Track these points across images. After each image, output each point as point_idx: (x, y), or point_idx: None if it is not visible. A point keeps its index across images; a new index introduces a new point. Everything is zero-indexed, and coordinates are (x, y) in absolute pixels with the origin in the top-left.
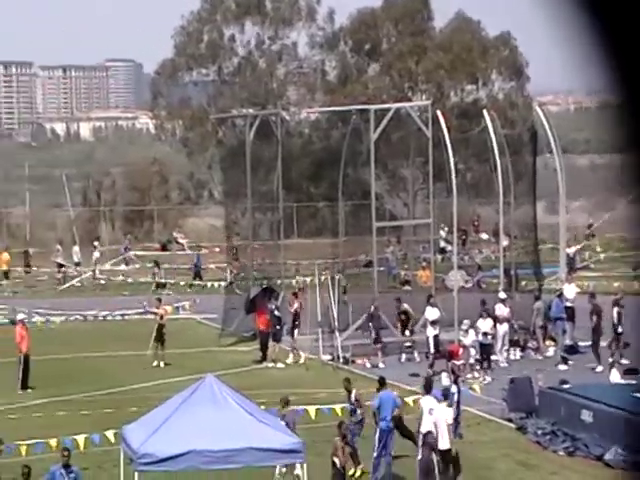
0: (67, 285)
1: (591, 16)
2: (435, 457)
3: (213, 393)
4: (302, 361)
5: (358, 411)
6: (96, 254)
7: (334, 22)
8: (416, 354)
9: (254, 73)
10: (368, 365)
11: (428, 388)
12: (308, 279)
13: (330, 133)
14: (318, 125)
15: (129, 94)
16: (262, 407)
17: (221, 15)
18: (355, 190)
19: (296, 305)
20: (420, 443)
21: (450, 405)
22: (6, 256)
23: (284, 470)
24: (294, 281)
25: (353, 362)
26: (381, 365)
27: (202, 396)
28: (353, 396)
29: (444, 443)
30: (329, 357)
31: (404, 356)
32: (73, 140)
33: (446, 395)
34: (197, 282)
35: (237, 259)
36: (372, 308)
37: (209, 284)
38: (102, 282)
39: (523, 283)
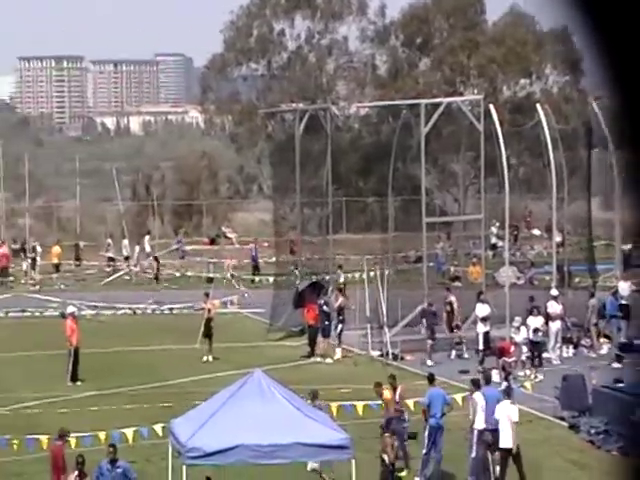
0: (112, 278)
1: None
2: (490, 456)
3: (261, 388)
4: (338, 356)
5: (405, 414)
6: (147, 248)
7: (385, 16)
8: (464, 350)
9: (303, 67)
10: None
11: (487, 382)
12: (356, 274)
13: (380, 128)
14: (368, 120)
15: (179, 88)
16: (309, 402)
17: (271, 9)
18: (405, 185)
19: (341, 300)
20: (475, 440)
21: (513, 402)
22: (57, 249)
23: (315, 465)
24: (341, 276)
25: (402, 358)
26: (429, 362)
27: (250, 390)
28: (398, 393)
29: (507, 441)
30: (378, 353)
31: (453, 353)
32: (123, 134)
33: (508, 393)
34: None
35: (293, 252)
36: (425, 304)
37: (257, 279)
38: (150, 276)
39: (576, 280)
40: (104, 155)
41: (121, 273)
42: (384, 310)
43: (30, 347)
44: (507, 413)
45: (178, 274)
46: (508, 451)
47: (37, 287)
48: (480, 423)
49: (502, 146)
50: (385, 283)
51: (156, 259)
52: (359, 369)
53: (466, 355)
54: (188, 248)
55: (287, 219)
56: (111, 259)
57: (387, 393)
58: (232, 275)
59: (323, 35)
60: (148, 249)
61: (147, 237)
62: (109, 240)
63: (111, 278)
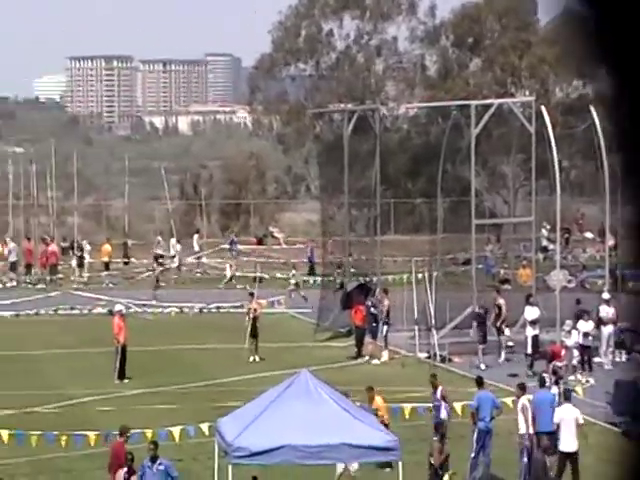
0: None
1: None
2: (547, 460)
3: (308, 388)
4: (385, 358)
5: (443, 408)
6: (196, 247)
7: (435, 16)
8: (513, 354)
9: (352, 68)
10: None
11: (541, 385)
12: (399, 276)
13: (429, 129)
14: (417, 120)
15: (227, 88)
16: (357, 403)
17: (319, 10)
18: (454, 186)
19: (386, 302)
20: (527, 444)
21: (574, 405)
22: (107, 247)
23: (342, 468)
24: (390, 278)
25: (450, 360)
26: (482, 366)
27: (297, 391)
28: (439, 393)
29: (569, 445)
30: (425, 355)
31: (502, 356)
32: (171, 133)
33: (567, 396)
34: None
35: (350, 254)
36: (477, 307)
37: (304, 279)
38: (199, 274)
39: (630, 284)
40: (153, 154)
41: (157, 271)
42: (432, 312)
43: (79, 344)
44: (573, 416)
45: (229, 273)
46: (568, 455)
47: (83, 285)
48: (527, 427)
49: (554, 148)
50: (433, 285)
51: (156, 259)
52: (406, 371)
53: (515, 358)
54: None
55: (334, 219)
56: (160, 256)
57: (379, 400)
58: (231, 277)
59: (372, 35)
60: (197, 248)
61: (196, 236)
62: (159, 237)
63: (146, 275)
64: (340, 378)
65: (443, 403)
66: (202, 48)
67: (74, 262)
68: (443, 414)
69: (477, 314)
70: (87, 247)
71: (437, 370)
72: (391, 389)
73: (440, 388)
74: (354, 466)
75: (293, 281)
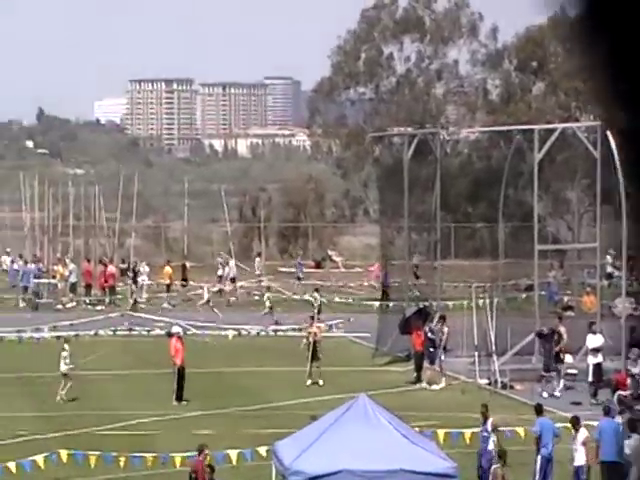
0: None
1: None
2: None
3: (366, 413)
4: (443, 384)
5: (492, 439)
6: (257, 270)
7: (497, 39)
8: (574, 382)
9: (412, 91)
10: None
11: (606, 414)
12: (459, 302)
13: (491, 153)
14: (478, 145)
15: (287, 111)
16: (416, 429)
17: (379, 33)
18: (515, 211)
19: (445, 329)
20: (583, 478)
21: None
22: (168, 269)
23: None
24: (450, 303)
25: (511, 387)
26: (544, 394)
27: (355, 415)
28: (489, 424)
29: None
30: (486, 381)
31: (561, 384)
32: (231, 156)
33: (634, 426)
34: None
35: (417, 277)
36: (545, 331)
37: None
38: (257, 297)
39: None
40: (212, 177)
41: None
42: (493, 338)
43: (137, 366)
44: None
45: (288, 295)
46: None
47: (137, 307)
48: (587, 460)
49: (620, 173)
50: (494, 311)
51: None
52: (466, 397)
53: (578, 387)
54: (291, 270)
55: (394, 244)
56: (220, 277)
57: None
58: (208, 300)
59: (433, 59)
60: (258, 271)
61: (257, 259)
62: (220, 259)
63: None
64: (399, 403)
65: (492, 435)
66: (261, 71)
67: (131, 283)
68: (490, 446)
69: (543, 340)
70: (145, 269)
71: (497, 397)
72: (449, 415)
73: (490, 420)
74: None
75: (268, 303)
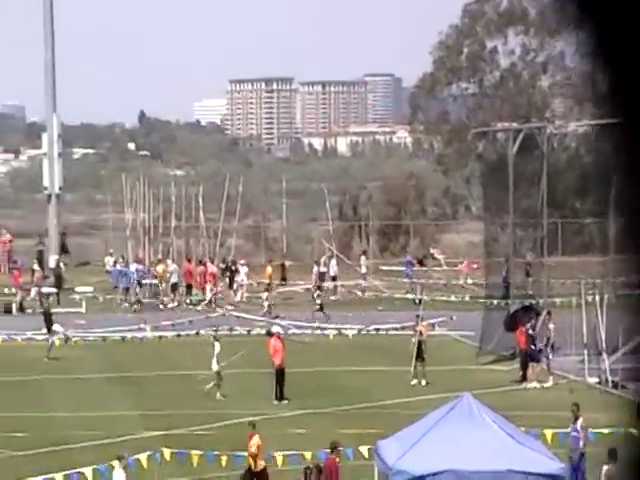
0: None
1: None
2: None
3: (471, 412)
4: (550, 383)
5: (580, 441)
6: (363, 269)
7: None
8: None
9: (517, 85)
10: None
11: None
12: (568, 299)
13: (599, 146)
14: (586, 138)
15: (387, 109)
16: (522, 429)
17: (482, 27)
18: (626, 205)
19: (551, 326)
20: None
21: None
22: (269, 269)
23: None
24: (557, 300)
25: (623, 387)
26: None
27: (459, 415)
28: (579, 423)
29: None
30: (596, 380)
31: None
32: (330, 155)
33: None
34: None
35: (529, 274)
36: None
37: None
38: (360, 295)
39: None
40: (311, 175)
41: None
42: (603, 336)
43: (238, 365)
44: None
45: (389, 294)
46: None
47: (233, 307)
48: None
49: None
50: (604, 308)
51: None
52: (574, 396)
53: None
54: (393, 268)
55: (498, 241)
56: (322, 275)
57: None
58: (213, 299)
59: (538, 51)
60: (364, 270)
61: (363, 257)
62: (323, 258)
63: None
64: (504, 402)
65: (582, 434)
66: (362, 69)
67: (230, 283)
68: (581, 445)
69: None
70: (244, 268)
71: (608, 396)
72: (556, 414)
73: (581, 419)
74: None
75: (319, 301)
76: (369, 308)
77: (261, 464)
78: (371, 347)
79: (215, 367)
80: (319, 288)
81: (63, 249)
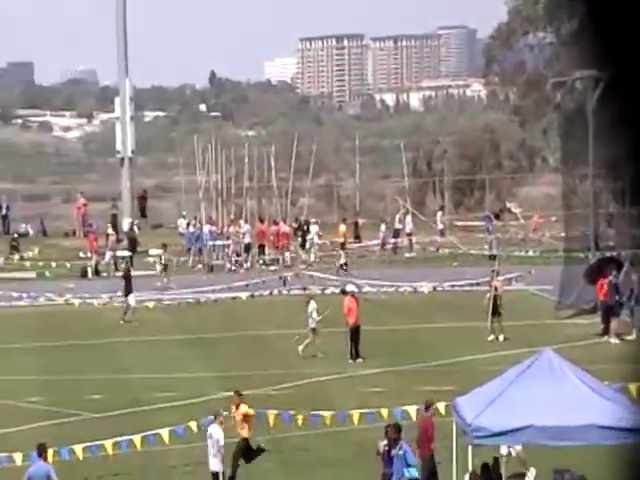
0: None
1: None
2: None
3: (551, 367)
4: (633, 336)
5: None
6: (439, 225)
7: None
8: None
9: None
10: None
11: None
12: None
13: None
14: None
15: (461, 61)
16: (605, 383)
17: None
18: None
19: (634, 277)
20: None
21: None
22: (342, 228)
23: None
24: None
25: None
26: None
27: (539, 370)
28: None
29: None
30: None
31: None
32: (402, 110)
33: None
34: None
35: (610, 226)
36: None
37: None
38: (435, 252)
39: None
40: (383, 132)
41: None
42: None
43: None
44: None
45: (464, 250)
46: None
47: (306, 266)
48: None
49: None
50: None
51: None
52: None
53: None
54: (469, 224)
55: (576, 193)
56: (397, 232)
57: None
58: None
59: None
60: (440, 226)
61: (439, 213)
62: (398, 215)
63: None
64: (585, 357)
65: None
66: (435, 22)
67: (303, 243)
68: None
69: None
70: (315, 227)
71: None
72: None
73: None
74: (517, 448)
75: (342, 260)
76: (444, 265)
77: (243, 433)
78: (447, 304)
79: (312, 324)
80: (383, 246)
81: (143, 213)
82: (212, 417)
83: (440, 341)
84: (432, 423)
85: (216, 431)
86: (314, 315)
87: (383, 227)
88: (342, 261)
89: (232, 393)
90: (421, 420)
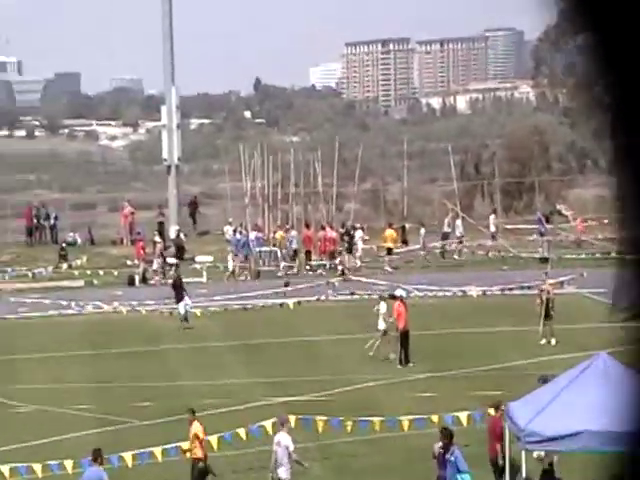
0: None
1: None
2: None
3: (606, 372)
4: None
5: None
6: (492, 228)
7: None
8: None
9: None
10: None
11: None
12: None
13: None
14: None
15: (508, 64)
16: None
17: None
18: None
19: None
20: None
21: None
22: (390, 232)
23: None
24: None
25: None
26: None
27: (594, 375)
28: None
29: None
30: None
31: None
32: (449, 113)
33: None
34: None
35: None
36: None
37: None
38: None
39: None
40: (429, 136)
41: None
42: None
43: (360, 330)
44: None
45: (514, 253)
46: None
47: (353, 271)
48: None
49: None
50: None
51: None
52: None
53: None
54: (519, 227)
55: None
56: (445, 235)
57: None
58: (233, 271)
59: None
60: (493, 229)
61: (492, 216)
62: (447, 219)
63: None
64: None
65: None
66: (482, 24)
67: (349, 248)
68: None
69: None
70: (359, 232)
71: None
72: None
73: None
74: (554, 457)
75: (340, 267)
76: (494, 268)
77: (196, 453)
78: (497, 308)
79: (382, 326)
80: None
81: (193, 219)
82: (279, 424)
83: (490, 345)
84: (500, 423)
85: (284, 438)
86: (384, 317)
87: (422, 231)
88: (387, 267)
89: (286, 398)
90: (489, 420)
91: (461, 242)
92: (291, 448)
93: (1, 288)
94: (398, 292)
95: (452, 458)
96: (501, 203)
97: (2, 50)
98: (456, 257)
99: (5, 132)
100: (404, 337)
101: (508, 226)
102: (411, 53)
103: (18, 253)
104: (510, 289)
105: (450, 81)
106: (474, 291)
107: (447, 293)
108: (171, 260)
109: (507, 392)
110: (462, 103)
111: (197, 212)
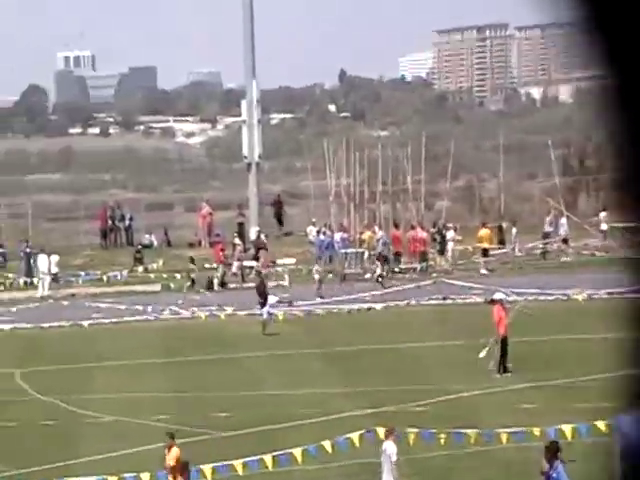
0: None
1: None
2: None
3: None
4: None
5: None
6: (603, 226)
7: None
8: None
9: None
10: None
11: None
12: None
13: None
14: None
15: None
16: None
17: None
18: None
19: None
20: None
21: None
22: (485, 232)
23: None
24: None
25: None
26: None
27: None
28: None
29: None
30: None
31: None
32: (550, 104)
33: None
34: None
35: None
36: None
37: None
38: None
39: None
40: (529, 128)
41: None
42: None
43: (454, 336)
44: None
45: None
46: None
47: (446, 273)
48: None
49: None
50: None
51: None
52: None
53: None
54: (616, 225)
55: None
56: (546, 235)
57: None
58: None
59: None
60: (604, 227)
61: (603, 214)
62: (549, 217)
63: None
64: None
65: None
66: None
67: (441, 249)
68: None
69: None
70: (450, 233)
71: None
72: None
73: None
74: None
75: (317, 276)
76: (601, 270)
77: None
78: (603, 313)
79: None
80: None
81: (279, 220)
82: (386, 433)
83: (596, 354)
84: None
85: (390, 447)
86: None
87: (514, 230)
88: (378, 272)
89: (374, 409)
90: None
91: (566, 242)
92: (393, 458)
93: (74, 293)
94: (497, 295)
95: (554, 474)
96: (606, 199)
97: (76, 44)
98: (565, 258)
99: (78, 129)
100: (503, 344)
101: (616, 224)
102: (509, 40)
103: (92, 256)
104: (620, 293)
105: (551, 70)
106: (579, 295)
107: (549, 297)
108: (251, 263)
109: (615, 404)
110: (565, 93)
111: (282, 212)
